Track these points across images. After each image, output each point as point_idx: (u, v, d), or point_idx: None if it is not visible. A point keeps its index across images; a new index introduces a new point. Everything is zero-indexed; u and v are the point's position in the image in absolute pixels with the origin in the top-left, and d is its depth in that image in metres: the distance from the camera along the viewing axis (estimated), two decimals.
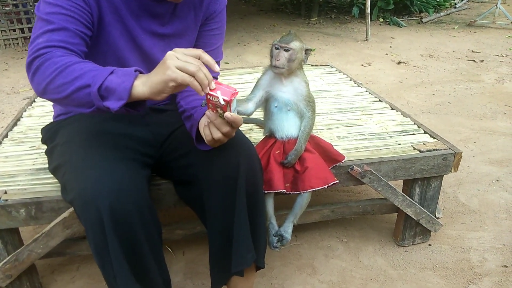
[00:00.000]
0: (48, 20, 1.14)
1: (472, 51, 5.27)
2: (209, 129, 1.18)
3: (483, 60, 4.87)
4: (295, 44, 1.41)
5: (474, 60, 4.89)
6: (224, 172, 1.26)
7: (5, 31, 5.63)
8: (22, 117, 2.12)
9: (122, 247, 1.11)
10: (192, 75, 1.02)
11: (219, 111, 1.12)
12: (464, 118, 3.37)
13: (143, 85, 1.03)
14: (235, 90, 1.11)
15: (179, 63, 1.01)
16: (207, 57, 1.07)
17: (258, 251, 1.32)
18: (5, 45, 5.68)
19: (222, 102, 1.08)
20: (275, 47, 1.42)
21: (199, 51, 1.06)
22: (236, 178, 1.25)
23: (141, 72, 1.08)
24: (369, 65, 4.74)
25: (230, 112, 1.11)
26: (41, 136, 1.53)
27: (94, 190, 1.10)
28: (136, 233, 1.14)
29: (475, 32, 6.28)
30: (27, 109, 2.21)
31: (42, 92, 1.11)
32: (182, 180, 1.41)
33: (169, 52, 1.03)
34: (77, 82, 1.04)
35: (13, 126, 2.02)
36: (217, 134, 1.17)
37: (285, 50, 1.40)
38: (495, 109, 3.54)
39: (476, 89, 3.99)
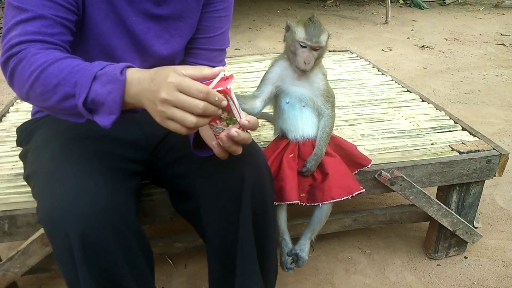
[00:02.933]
0: (21, 7, 0.93)
1: (501, 34, 4.91)
2: (223, 150, 0.92)
3: None
4: (324, 39, 1.16)
5: (503, 44, 4.54)
6: (225, 185, 1.03)
7: None
8: (8, 112, 1.92)
9: (97, 282, 0.89)
10: (188, 128, 0.79)
11: (222, 116, 0.85)
12: (497, 108, 3.07)
13: (134, 100, 0.84)
14: (225, 74, 0.84)
15: (171, 114, 0.77)
16: (213, 97, 0.79)
17: (268, 280, 1.10)
18: None
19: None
20: (302, 44, 1.15)
21: (205, 91, 0.78)
22: (239, 193, 1.02)
23: (131, 66, 0.88)
24: (390, 50, 4.43)
25: (236, 106, 0.84)
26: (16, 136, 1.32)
27: (62, 212, 0.88)
28: (116, 263, 0.91)
29: (503, 14, 5.88)
30: (14, 103, 2.00)
31: (26, 99, 0.94)
32: (176, 190, 1.18)
33: (164, 87, 0.77)
34: (59, 91, 0.86)
35: None
36: (237, 153, 0.91)
37: (314, 49, 1.15)
38: None
39: (508, 76, 3.67)
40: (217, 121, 0.85)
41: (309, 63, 1.15)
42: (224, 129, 0.87)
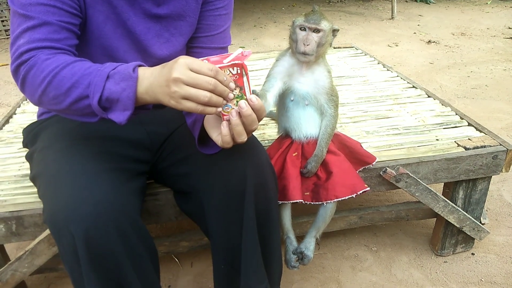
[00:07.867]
0: (26, 14, 0.94)
1: (509, 28, 4.85)
2: (230, 132, 0.91)
3: None
4: (325, 24, 1.15)
5: (511, 38, 4.48)
6: (228, 184, 1.03)
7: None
8: (15, 114, 1.94)
9: (101, 282, 0.90)
10: (203, 104, 0.83)
11: (234, 93, 0.88)
12: (505, 103, 3.03)
13: (146, 94, 0.87)
14: (243, 52, 0.89)
15: (185, 91, 0.81)
16: (222, 76, 0.85)
17: (273, 278, 1.10)
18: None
19: (234, 71, 0.86)
20: (301, 27, 1.16)
21: (215, 70, 0.83)
22: (242, 192, 1.02)
23: (142, 65, 0.91)
24: (396, 45, 4.40)
25: (249, 85, 0.88)
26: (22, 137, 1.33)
27: (67, 213, 0.89)
28: (120, 263, 0.92)
29: (511, 7, 5.80)
30: (21, 104, 2.02)
31: (38, 103, 0.97)
32: (180, 189, 1.19)
33: (176, 67, 0.81)
34: (72, 93, 0.88)
35: (4, 124, 1.83)
36: (242, 137, 0.90)
37: (314, 31, 1.15)
38: None
39: None
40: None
41: (308, 44, 1.14)
42: (234, 108, 0.89)
